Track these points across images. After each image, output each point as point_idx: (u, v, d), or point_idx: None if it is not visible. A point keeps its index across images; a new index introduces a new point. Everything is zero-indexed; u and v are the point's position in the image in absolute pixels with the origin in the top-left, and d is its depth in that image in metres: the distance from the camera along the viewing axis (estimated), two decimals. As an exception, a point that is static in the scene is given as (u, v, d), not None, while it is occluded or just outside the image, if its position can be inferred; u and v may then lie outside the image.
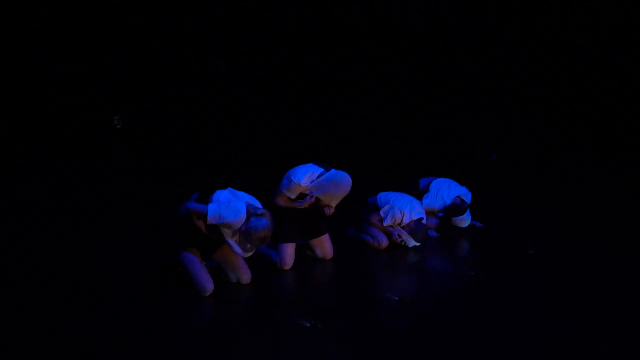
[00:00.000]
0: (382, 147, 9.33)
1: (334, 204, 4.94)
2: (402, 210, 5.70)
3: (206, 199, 4.53)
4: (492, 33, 9.81)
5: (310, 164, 4.98)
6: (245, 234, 4.37)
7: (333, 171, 4.88)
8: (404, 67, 9.85)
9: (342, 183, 4.81)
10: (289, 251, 5.18)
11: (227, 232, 4.48)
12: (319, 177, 4.86)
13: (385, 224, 5.75)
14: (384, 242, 5.72)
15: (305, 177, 4.83)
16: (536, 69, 9.84)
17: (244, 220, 4.37)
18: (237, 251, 4.51)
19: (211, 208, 4.38)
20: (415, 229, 5.70)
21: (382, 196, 5.91)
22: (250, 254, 4.56)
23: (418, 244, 5.75)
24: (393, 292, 4.70)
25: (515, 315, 4.29)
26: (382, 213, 5.76)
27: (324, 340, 3.93)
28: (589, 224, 6.54)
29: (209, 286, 4.54)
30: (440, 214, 6.35)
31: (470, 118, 9.85)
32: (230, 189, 4.58)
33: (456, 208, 6.23)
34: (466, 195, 6.38)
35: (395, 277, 5.30)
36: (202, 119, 9.33)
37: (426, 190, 6.39)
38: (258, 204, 4.54)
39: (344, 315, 4.34)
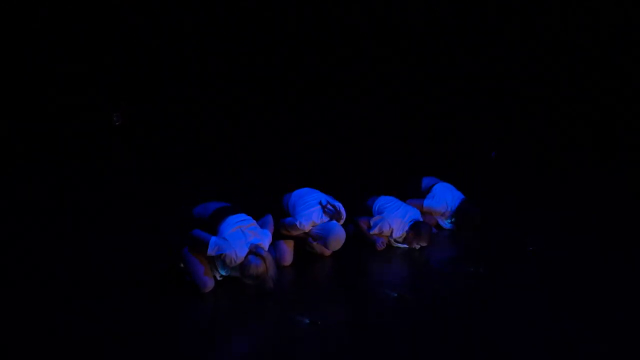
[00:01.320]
0: (382, 147, 9.31)
1: (320, 242, 5.35)
2: (391, 226, 5.65)
3: (219, 220, 4.60)
4: (492, 33, 9.80)
5: (316, 207, 5.28)
6: (239, 269, 4.46)
7: (333, 223, 5.25)
8: (404, 67, 9.84)
9: (335, 239, 5.21)
10: (288, 247, 5.22)
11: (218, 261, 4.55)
12: (320, 222, 5.28)
13: (371, 232, 5.73)
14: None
15: (310, 224, 5.25)
16: (536, 69, 9.83)
17: (240, 260, 4.45)
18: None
19: (211, 245, 4.45)
20: (420, 230, 5.66)
21: (379, 203, 5.87)
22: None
23: (406, 246, 5.73)
24: (392, 289, 4.70)
25: (515, 315, 4.29)
26: (371, 221, 5.74)
27: (323, 338, 3.93)
28: (589, 224, 6.53)
29: (209, 283, 4.56)
30: (453, 220, 6.35)
31: (470, 118, 9.84)
32: (241, 229, 4.59)
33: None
34: None
35: (394, 275, 5.30)
36: (202, 119, 9.32)
37: (428, 191, 6.39)
38: (266, 242, 4.64)
39: (343, 312, 4.34)
